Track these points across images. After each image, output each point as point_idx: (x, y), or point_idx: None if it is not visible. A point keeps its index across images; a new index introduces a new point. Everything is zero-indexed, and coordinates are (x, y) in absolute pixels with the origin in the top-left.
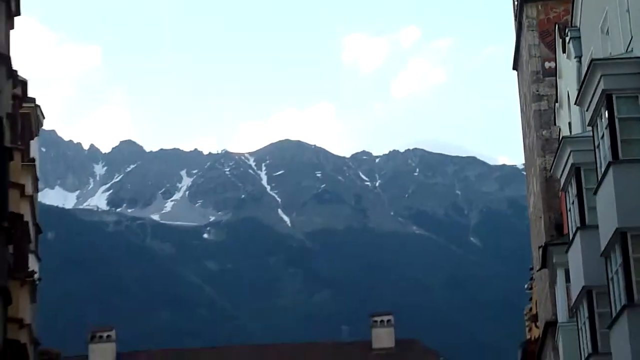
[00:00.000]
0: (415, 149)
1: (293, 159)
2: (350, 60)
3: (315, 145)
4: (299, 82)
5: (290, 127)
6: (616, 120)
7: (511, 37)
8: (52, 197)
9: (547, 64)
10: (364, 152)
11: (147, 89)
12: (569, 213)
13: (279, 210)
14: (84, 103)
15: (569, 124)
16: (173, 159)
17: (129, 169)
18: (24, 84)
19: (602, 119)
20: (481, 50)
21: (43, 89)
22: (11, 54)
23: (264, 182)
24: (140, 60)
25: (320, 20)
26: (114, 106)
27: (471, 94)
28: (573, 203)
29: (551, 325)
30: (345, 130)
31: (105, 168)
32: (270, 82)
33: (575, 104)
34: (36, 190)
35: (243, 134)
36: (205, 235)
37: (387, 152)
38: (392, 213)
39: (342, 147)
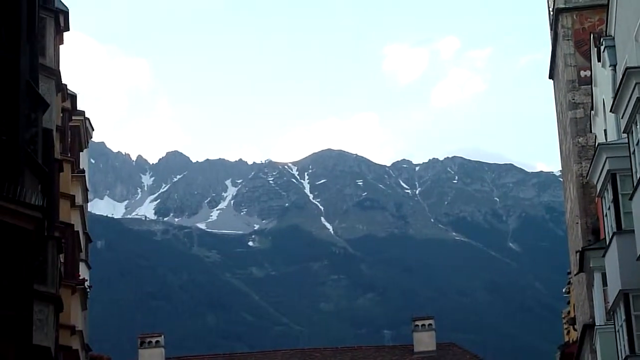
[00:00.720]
0: (455, 157)
1: (335, 168)
2: (391, 69)
3: (356, 154)
4: (340, 92)
5: (331, 137)
6: None
7: (547, 47)
8: (102, 207)
9: (582, 73)
10: (404, 161)
11: (193, 100)
12: (605, 218)
13: (322, 218)
14: (132, 115)
15: (605, 131)
16: (218, 169)
17: (175, 179)
18: (73, 97)
19: (637, 125)
20: (518, 59)
21: (93, 101)
22: (61, 68)
23: (307, 190)
24: (186, 72)
25: (360, 31)
26: (160, 117)
27: (509, 102)
28: (609, 208)
29: (589, 328)
30: (385, 139)
31: (152, 178)
32: (312, 92)
33: (610, 111)
34: (86, 200)
35: (286, 143)
36: (250, 243)
37: (426, 160)
38: (432, 220)
39: (383, 155)
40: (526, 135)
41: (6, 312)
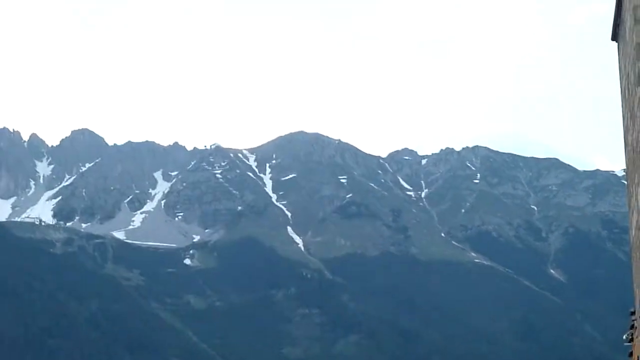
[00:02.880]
0: (477, 146)
1: (309, 159)
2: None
3: (339, 140)
4: (317, 56)
5: (304, 116)
6: None
7: None
8: None
9: None
10: (405, 151)
11: (114, 64)
12: None
13: (289, 228)
14: (25, 81)
15: None
16: (145, 156)
17: (84, 169)
18: None
19: None
20: (572, 10)
21: None
22: None
23: (269, 189)
24: (110, 29)
25: None
26: (66, 85)
27: (556, 72)
28: None
29: None
30: (381, 120)
31: (51, 167)
32: (280, 59)
33: None
34: None
35: (241, 124)
36: (187, 261)
37: (437, 151)
38: (442, 234)
39: (377, 143)
40: (579, 120)
41: None
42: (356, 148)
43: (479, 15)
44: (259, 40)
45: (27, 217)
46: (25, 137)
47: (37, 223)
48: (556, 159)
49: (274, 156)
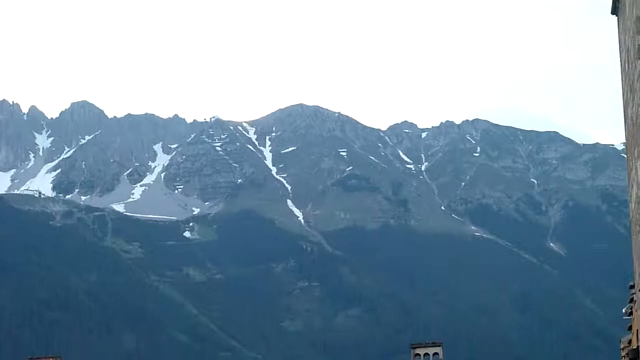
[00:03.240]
0: (477, 119)
1: (309, 132)
2: None
3: (339, 113)
4: (317, 28)
5: (305, 89)
6: None
7: None
8: None
9: None
10: (405, 124)
11: (111, 34)
12: None
13: (288, 201)
14: (23, 52)
15: None
16: (145, 129)
17: (83, 141)
18: None
19: None
20: None
21: None
22: None
23: (268, 161)
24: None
25: None
26: (65, 56)
27: (556, 45)
28: None
29: None
30: (381, 92)
31: (51, 139)
32: (279, 31)
33: None
34: None
35: (241, 97)
36: (187, 234)
37: (437, 124)
38: (443, 207)
39: (377, 116)
40: (579, 94)
41: None
42: (356, 121)
43: None
44: (258, 12)
45: (27, 189)
46: (25, 109)
47: (36, 196)
48: (556, 132)
49: (273, 129)
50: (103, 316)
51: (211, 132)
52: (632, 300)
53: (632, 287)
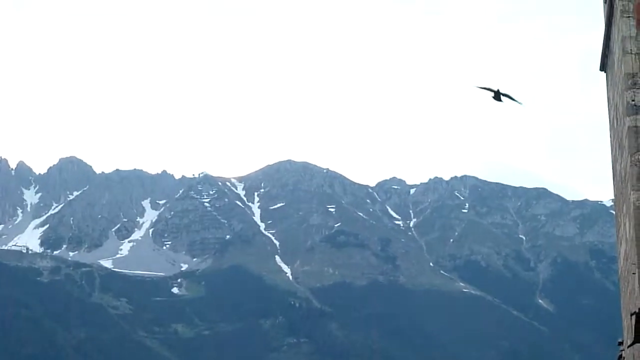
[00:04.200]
0: (465, 176)
1: (297, 187)
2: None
3: (327, 169)
4: (305, 84)
5: (293, 145)
6: None
7: (601, 26)
8: None
9: None
10: (394, 180)
11: (102, 93)
12: None
13: (277, 258)
14: (12, 108)
15: None
16: (133, 184)
17: (71, 197)
18: None
19: None
20: (562, 40)
21: None
22: None
23: (257, 217)
24: (94, 58)
25: None
26: (54, 113)
27: (549, 102)
28: None
29: None
30: (370, 149)
31: (39, 195)
32: (268, 87)
33: None
34: None
35: (230, 153)
36: (175, 290)
37: (426, 180)
38: (431, 264)
39: (366, 172)
40: (568, 150)
41: None
42: (344, 177)
43: (471, 50)
44: (247, 68)
45: (14, 245)
46: (13, 164)
47: (24, 251)
48: (544, 189)
49: (262, 185)
50: None
51: (199, 188)
52: (620, 357)
53: (621, 343)
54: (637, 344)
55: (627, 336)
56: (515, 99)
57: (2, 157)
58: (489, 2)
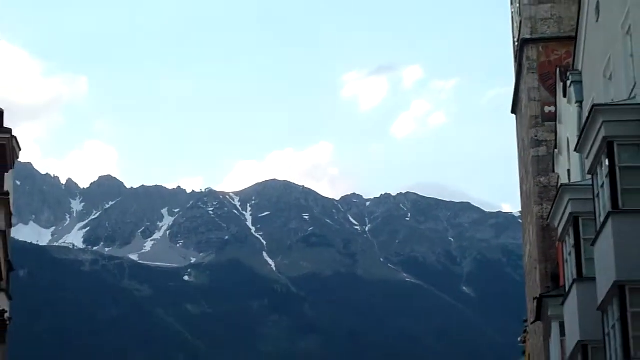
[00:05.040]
0: (408, 192)
1: (280, 200)
2: (350, 98)
3: (303, 186)
4: (297, 120)
5: (280, 167)
6: (617, 169)
7: (512, 80)
8: (26, 233)
9: (546, 108)
10: (354, 195)
11: (132, 124)
12: (565, 264)
13: (264, 253)
14: (63, 135)
15: (568, 171)
16: (154, 197)
17: (107, 206)
18: (0, 113)
19: (602, 166)
20: (485, 92)
21: (22, 119)
22: None
23: (249, 223)
24: (127, 95)
25: (319, 56)
26: (95, 139)
27: (471, 137)
28: (570, 254)
29: None
30: (338, 172)
31: (82, 204)
32: (268, 120)
33: (575, 150)
34: (9, 225)
35: (230, 173)
36: (186, 278)
37: (378, 195)
38: (381, 259)
39: (333, 189)
40: (487, 173)
41: None
42: (316, 192)
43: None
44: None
45: (63, 243)
46: (63, 181)
47: (70, 247)
48: (469, 203)
49: (253, 198)
50: (121, 341)
51: (205, 200)
52: (525, 331)
53: (525, 321)
54: (538, 322)
55: (530, 316)
56: None
57: (55, 175)
58: (426, 59)
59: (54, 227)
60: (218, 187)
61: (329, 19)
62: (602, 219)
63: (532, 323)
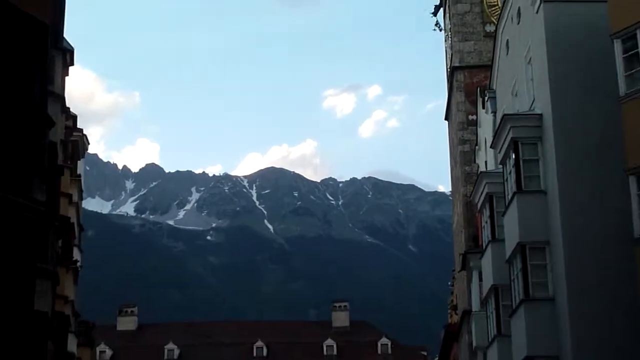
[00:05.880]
0: (370, 177)
1: (277, 182)
2: (329, 108)
3: (294, 172)
4: (291, 124)
5: (277, 158)
6: (520, 161)
7: (445, 95)
8: (93, 204)
9: (470, 117)
10: (330, 179)
11: (170, 124)
12: (483, 229)
13: (265, 220)
14: (121, 133)
15: (485, 162)
16: (186, 179)
17: (152, 185)
18: (74, 118)
19: (510, 159)
20: (425, 104)
21: (90, 121)
22: (66, 95)
23: (254, 198)
24: (167, 102)
25: (306, 77)
26: (143, 136)
27: (416, 137)
28: (486, 222)
29: (467, 313)
30: (321, 161)
31: (134, 184)
32: (269, 123)
33: (490, 147)
34: (81, 199)
35: (244, 162)
36: (208, 237)
37: (348, 179)
38: (350, 225)
39: (315, 174)
40: (427, 163)
41: (13, 284)
42: (303, 177)
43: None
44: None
45: (120, 212)
46: (120, 167)
47: (125, 215)
48: (413, 185)
49: (257, 180)
50: (163, 285)
51: (223, 182)
52: (453, 277)
53: (454, 270)
54: (463, 271)
55: (457, 266)
56: None
57: (114, 163)
58: (383, 81)
59: (112, 200)
60: (232, 172)
61: (314, 51)
62: (509, 197)
63: (458, 272)
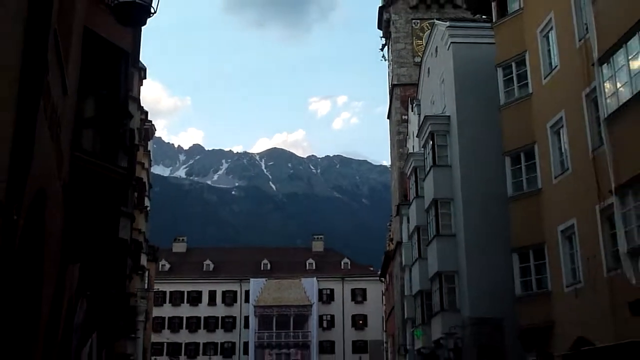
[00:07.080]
0: (338, 155)
1: (279, 157)
2: (313, 109)
3: (289, 150)
4: (289, 119)
5: (281, 141)
6: (435, 146)
7: (387, 102)
8: (158, 170)
9: (403, 117)
10: (313, 155)
11: (210, 116)
12: (410, 190)
13: (270, 182)
14: (179, 125)
15: (413, 146)
16: (219, 154)
17: (196, 158)
18: (146, 113)
19: (428, 145)
20: (376, 108)
21: (159, 117)
22: (140, 98)
23: (263, 168)
24: (208, 103)
25: (299, 89)
26: (192, 125)
27: (369, 129)
28: (412, 185)
29: (399, 244)
30: (308, 144)
31: (185, 157)
32: (274, 118)
33: (416, 136)
34: (150, 165)
35: (258, 143)
36: (233, 192)
37: (324, 156)
38: (325, 186)
39: (304, 151)
40: (376, 146)
41: (107, 221)
42: (295, 154)
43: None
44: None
45: (175, 175)
46: (176, 146)
47: (178, 177)
48: (366, 160)
49: (265, 156)
50: (202, 223)
51: (242, 157)
52: (391, 220)
53: (392, 216)
54: (397, 216)
55: (394, 213)
56: None
57: (171, 142)
58: (349, 92)
59: (170, 167)
60: (249, 150)
61: (304, 73)
62: (427, 169)
63: (394, 217)
